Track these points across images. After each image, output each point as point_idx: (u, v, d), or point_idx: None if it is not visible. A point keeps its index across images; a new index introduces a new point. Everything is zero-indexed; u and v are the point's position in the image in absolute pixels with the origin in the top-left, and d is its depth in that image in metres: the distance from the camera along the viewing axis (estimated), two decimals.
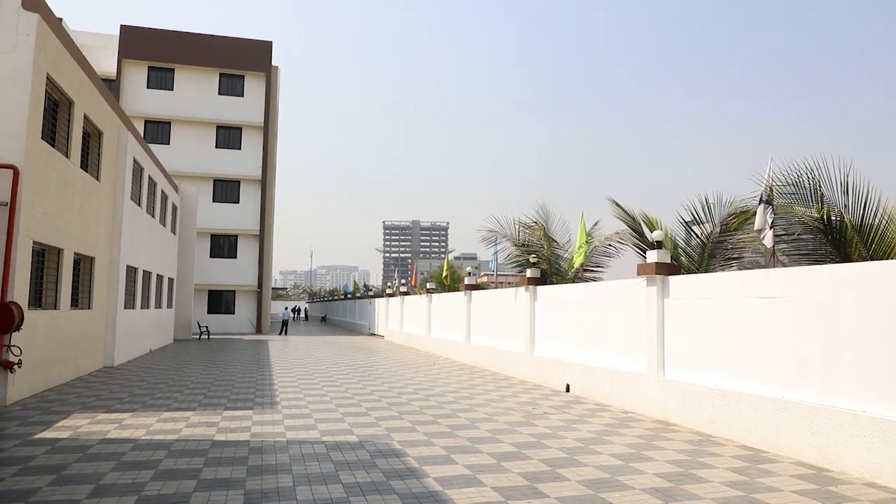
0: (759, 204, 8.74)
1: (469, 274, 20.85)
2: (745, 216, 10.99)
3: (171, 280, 27.98)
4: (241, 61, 40.47)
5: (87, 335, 15.70)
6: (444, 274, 24.52)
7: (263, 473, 6.75)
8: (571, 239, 16.71)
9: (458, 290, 25.52)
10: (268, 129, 40.58)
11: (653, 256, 10.86)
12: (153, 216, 23.12)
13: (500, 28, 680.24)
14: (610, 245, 16.10)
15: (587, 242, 13.44)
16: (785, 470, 7.34)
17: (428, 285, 25.81)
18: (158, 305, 24.86)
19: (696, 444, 8.62)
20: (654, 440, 8.89)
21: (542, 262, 16.14)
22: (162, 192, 24.90)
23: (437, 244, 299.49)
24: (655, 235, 10.92)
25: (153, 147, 36.64)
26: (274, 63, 42.33)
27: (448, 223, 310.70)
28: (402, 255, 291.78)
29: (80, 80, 14.55)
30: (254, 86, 40.93)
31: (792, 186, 9.36)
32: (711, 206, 11.38)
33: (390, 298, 33.94)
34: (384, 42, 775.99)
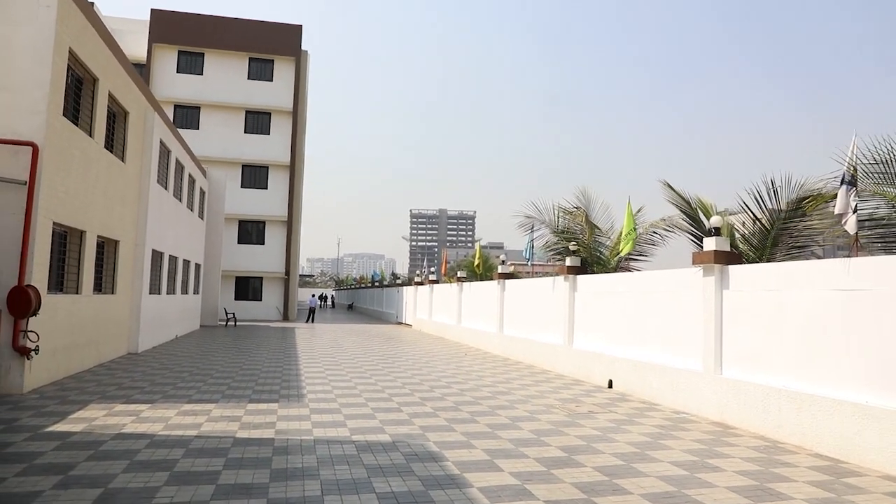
0: (841, 185, 7.78)
1: (503, 262, 20.05)
2: (820, 200, 9.98)
3: (197, 266, 27.67)
4: (270, 45, 39.98)
5: (110, 321, 15.29)
6: (476, 262, 23.69)
7: (289, 479, 6.08)
8: (614, 226, 15.81)
9: (490, 278, 24.76)
10: (297, 115, 40.09)
11: (710, 244, 9.95)
12: (180, 200, 22.72)
13: (525, 17, 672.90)
14: (654, 233, 15.15)
15: (634, 229, 12.53)
16: (874, 486, 6.45)
17: (458, 274, 25.07)
18: (185, 291, 24.53)
19: (764, 452, 7.75)
20: (717, 446, 8.04)
21: (583, 250, 15.25)
22: (189, 175, 24.50)
23: (463, 233, 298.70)
24: (714, 221, 10.00)
25: (182, 132, 36.48)
26: (303, 48, 41.74)
27: (475, 212, 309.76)
28: (428, 243, 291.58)
29: (106, 57, 14.02)
30: (283, 70, 40.43)
31: (881, 165, 8.36)
32: (778, 189, 10.37)
33: (419, 287, 33.30)
34: (409, 31, 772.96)
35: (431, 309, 29.95)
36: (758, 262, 10.34)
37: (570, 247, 15.02)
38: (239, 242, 38.80)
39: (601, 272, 15.32)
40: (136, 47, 39.61)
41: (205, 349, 18.74)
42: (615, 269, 15.27)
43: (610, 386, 12.82)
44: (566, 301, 15.08)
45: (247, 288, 39.18)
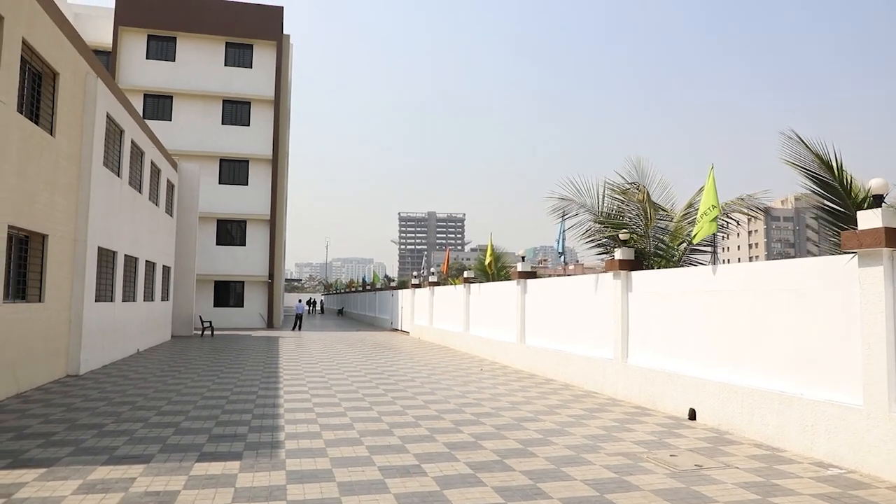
0: None
1: (522, 258, 16.84)
2: None
3: (166, 268, 24.25)
4: (249, 28, 36.61)
5: (35, 336, 11.93)
6: (488, 260, 20.43)
7: None
8: (675, 206, 12.61)
9: (504, 279, 21.55)
10: (279, 104, 36.75)
11: (872, 219, 6.79)
12: (139, 191, 19.33)
13: (511, 17, 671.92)
14: (728, 218, 11.95)
15: (715, 207, 9.34)
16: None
17: (466, 273, 21.84)
18: (149, 298, 21.13)
19: None
20: None
21: (638, 239, 12.07)
22: (152, 164, 21.12)
23: (453, 236, 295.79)
24: (876, 186, 6.84)
25: (153, 123, 33.10)
26: (285, 32, 38.47)
27: (464, 214, 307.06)
28: (417, 246, 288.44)
29: None
30: (263, 56, 37.06)
31: None
32: None
33: (417, 290, 30.04)
34: (395, 31, 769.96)
35: (432, 314, 26.68)
36: None
37: (620, 235, 11.84)
38: (218, 244, 35.38)
39: (659, 266, 12.14)
40: (102, 33, 36.21)
41: (167, 367, 15.39)
42: (678, 262, 12.10)
43: (692, 418, 9.64)
44: (616, 304, 11.89)
45: (227, 293, 35.74)
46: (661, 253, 12.21)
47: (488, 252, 20.58)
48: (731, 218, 12.02)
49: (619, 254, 11.82)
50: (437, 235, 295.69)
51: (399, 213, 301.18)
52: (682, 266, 11.94)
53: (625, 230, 11.98)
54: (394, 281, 47.96)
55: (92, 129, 14.33)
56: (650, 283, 11.17)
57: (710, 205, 9.45)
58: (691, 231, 12.12)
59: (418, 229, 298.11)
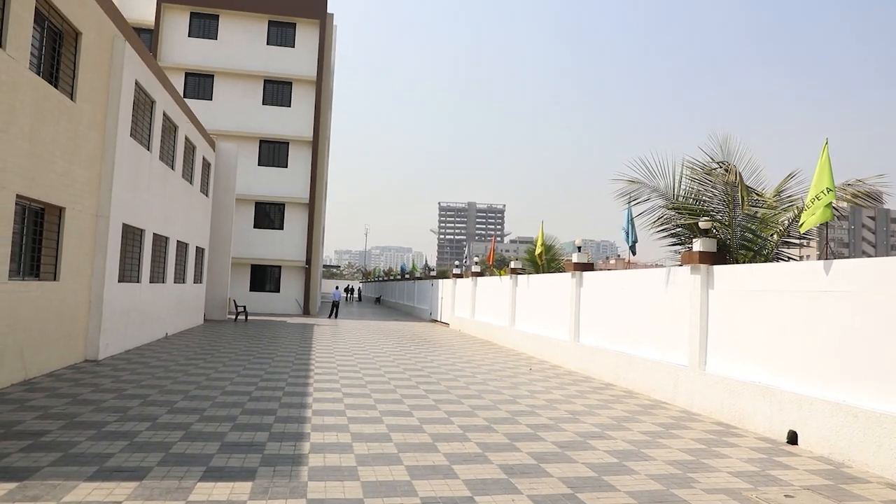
0: None
1: (579, 248, 15.30)
2: None
3: (200, 250, 23.42)
4: (292, 7, 35.58)
5: (50, 317, 10.97)
6: (539, 251, 18.86)
7: None
8: (765, 190, 10.88)
9: (557, 271, 20.03)
10: (321, 85, 35.68)
11: None
12: (172, 167, 18.40)
13: (554, 6, 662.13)
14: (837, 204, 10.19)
15: (830, 190, 7.66)
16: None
17: (513, 264, 20.38)
18: (181, 280, 20.28)
19: None
20: None
21: (721, 229, 10.45)
22: (187, 139, 20.19)
23: (492, 226, 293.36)
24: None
25: (194, 103, 32.35)
26: (329, 11, 37.35)
27: (504, 205, 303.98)
28: (457, 236, 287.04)
29: None
30: (306, 35, 36.03)
31: None
32: None
33: (458, 280, 28.69)
34: (438, 16, 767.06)
35: (475, 306, 25.30)
36: None
37: (700, 224, 10.23)
38: (255, 227, 34.60)
39: (746, 260, 10.50)
40: (144, 9, 35.61)
41: (193, 354, 14.39)
42: (768, 256, 10.43)
43: (792, 441, 8.06)
44: (695, 302, 10.32)
45: (264, 278, 34.99)
46: (748, 244, 10.54)
47: (539, 241, 19.04)
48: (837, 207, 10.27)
49: (698, 245, 10.23)
50: (477, 226, 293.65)
51: (439, 203, 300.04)
52: (772, 261, 10.29)
53: (706, 218, 10.37)
54: (434, 270, 46.72)
55: (118, 96, 13.31)
56: (738, 279, 9.56)
57: (824, 187, 7.81)
58: (785, 220, 10.46)
59: (458, 219, 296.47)
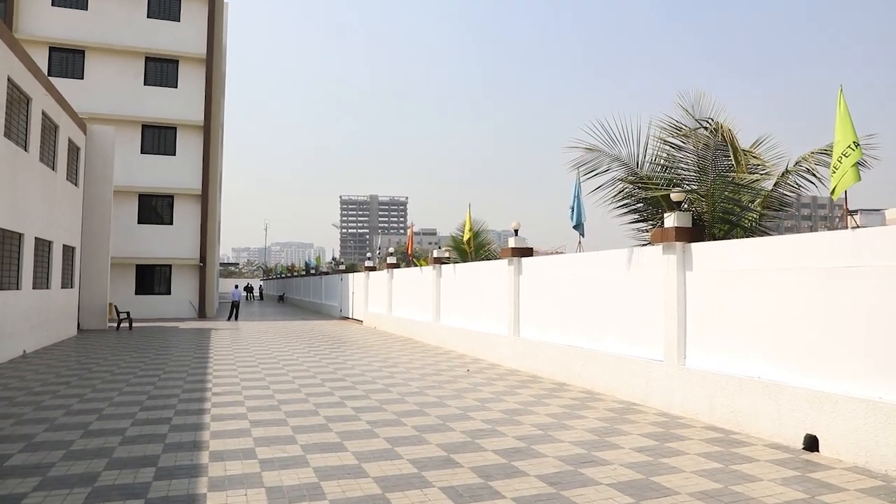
0: None
1: (516, 232, 13.66)
2: None
3: (69, 249, 19.96)
4: None
5: None
6: (467, 237, 17.06)
7: None
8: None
9: (486, 258, 18.36)
10: (211, 63, 32.31)
11: None
12: (24, 148, 15.12)
13: (458, 3, 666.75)
14: (805, 171, 9.03)
15: (858, 145, 6.29)
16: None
17: (435, 253, 18.52)
18: (43, 284, 16.96)
19: None
20: None
21: (697, 201, 9.03)
22: (45, 115, 16.83)
23: (395, 219, 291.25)
24: None
25: (62, 82, 27.98)
26: None
27: (407, 198, 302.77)
28: (359, 230, 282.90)
29: None
30: (193, 8, 32.49)
31: None
32: None
33: (371, 273, 26.54)
34: (347, 10, 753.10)
35: (391, 301, 23.28)
36: None
37: (672, 196, 8.76)
38: (140, 222, 30.84)
39: (725, 235, 9.15)
40: None
41: (55, 378, 11.53)
42: (749, 232, 9.13)
43: (810, 447, 6.69)
44: (670, 286, 8.86)
45: (152, 279, 31.33)
46: (728, 217, 9.18)
47: (466, 227, 17.24)
48: (808, 172, 9.10)
49: (672, 220, 8.76)
50: (380, 219, 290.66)
51: (341, 196, 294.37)
52: (756, 234, 9.00)
53: (678, 189, 8.91)
54: (343, 264, 44.19)
55: None
56: (727, 257, 8.15)
57: (850, 141, 6.43)
58: (765, 186, 9.19)
59: (360, 212, 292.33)
